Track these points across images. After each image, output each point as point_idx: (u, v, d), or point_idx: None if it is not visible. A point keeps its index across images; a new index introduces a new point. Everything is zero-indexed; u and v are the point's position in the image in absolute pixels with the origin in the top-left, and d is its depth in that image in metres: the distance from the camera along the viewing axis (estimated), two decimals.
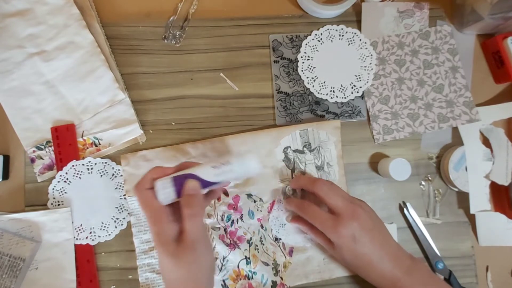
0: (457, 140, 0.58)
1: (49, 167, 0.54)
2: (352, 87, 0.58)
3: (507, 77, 0.57)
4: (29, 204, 0.53)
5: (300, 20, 0.59)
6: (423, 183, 0.57)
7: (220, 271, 0.52)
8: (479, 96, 0.59)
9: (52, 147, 0.53)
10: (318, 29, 0.59)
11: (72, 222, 0.52)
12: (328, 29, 0.59)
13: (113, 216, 0.53)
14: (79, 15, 0.55)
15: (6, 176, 0.54)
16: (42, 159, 0.54)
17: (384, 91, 0.58)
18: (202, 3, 0.59)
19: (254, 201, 0.54)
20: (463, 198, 0.56)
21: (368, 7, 0.59)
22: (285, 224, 0.54)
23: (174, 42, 0.57)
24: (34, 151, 0.54)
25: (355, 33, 0.59)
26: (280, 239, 0.54)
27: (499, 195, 0.56)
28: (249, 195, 0.54)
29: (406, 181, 0.54)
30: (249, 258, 0.52)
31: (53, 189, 0.53)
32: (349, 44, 0.59)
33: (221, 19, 0.58)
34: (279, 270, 0.53)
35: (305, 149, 0.55)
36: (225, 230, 0.53)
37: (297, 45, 0.58)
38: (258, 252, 0.53)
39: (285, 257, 0.53)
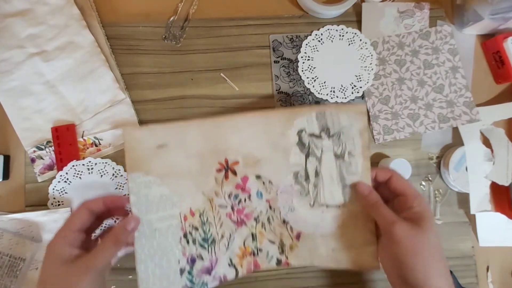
0: (457, 140, 0.58)
1: (50, 167, 0.54)
2: (352, 87, 0.58)
3: (508, 77, 0.57)
4: (29, 204, 0.53)
5: (300, 20, 0.59)
6: (423, 183, 0.57)
7: (226, 249, 0.51)
8: (479, 96, 0.59)
9: (53, 147, 0.53)
10: (318, 29, 0.59)
11: None
12: (328, 29, 0.59)
13: (113, 216, 0.53)
14: (80, 15, 0.55)
15: (6, 176, 0.54)
16: (43, 159, 0.54)
17: (385, 91, 0.58)
18: (202, 3, 0.59)
19: (263, 183, 0.51)
20: (463, 199, 0.56)
21: (368, 7, 0.59)
22: (294, 209, 0.50)
23: (174, 42, 0.57)
24: (34, 151, 0.54)
25: (355, 33, 0.59)
26: (288, 222, 0.51)
27: (500, 195, 0.56)
28: (258, 177, 0.51)
29: None
30: (255, 235, 0.51)
31: (53, 189, 0.53)
32: (349, 44, 0.59)
33: (221, 19, 0.58)
34: (285, 250, 0.51)
35: (322, 133, 0.49)
36: (232, 208, 0.52)
37: (297, 45, 0.58)
38: (265, 230, 0.52)
39: (292, 239, 0.51)
